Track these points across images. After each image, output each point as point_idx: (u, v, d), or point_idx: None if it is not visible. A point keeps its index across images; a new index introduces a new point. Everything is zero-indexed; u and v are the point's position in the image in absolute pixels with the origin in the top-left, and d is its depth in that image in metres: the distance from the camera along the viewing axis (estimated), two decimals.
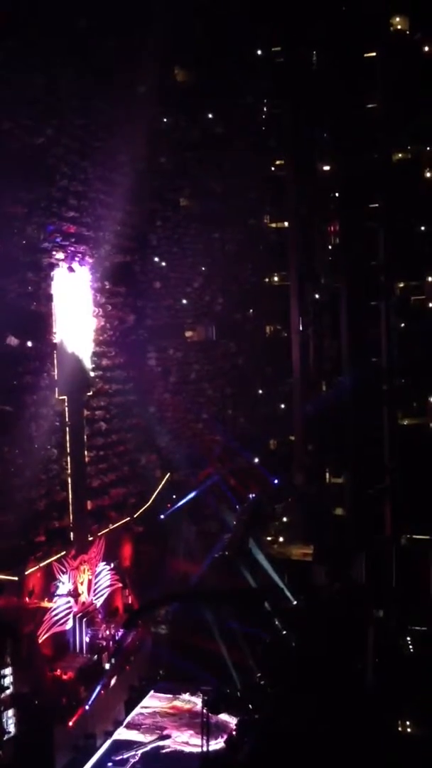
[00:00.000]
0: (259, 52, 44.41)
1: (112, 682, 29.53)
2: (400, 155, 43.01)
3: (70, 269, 29.28)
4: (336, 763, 23.63)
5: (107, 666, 29.48)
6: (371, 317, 42.48)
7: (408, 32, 41.68)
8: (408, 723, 29.56)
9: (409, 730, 29.55)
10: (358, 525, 40.82)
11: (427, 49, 41.07)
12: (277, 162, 46.28)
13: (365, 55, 41.93)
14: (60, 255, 28.75)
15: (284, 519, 44.22)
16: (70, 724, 26.46)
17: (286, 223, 46.11)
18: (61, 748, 25.78)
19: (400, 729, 29.29)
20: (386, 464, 41.18)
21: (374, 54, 41.54)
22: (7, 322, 25.69)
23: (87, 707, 27.37)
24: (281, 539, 43.06)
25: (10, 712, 24.35)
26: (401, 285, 43.15)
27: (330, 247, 44.80)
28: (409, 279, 43.09)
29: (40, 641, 26.82)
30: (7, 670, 24.43)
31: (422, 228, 41.69)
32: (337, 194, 43.71)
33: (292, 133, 44.21)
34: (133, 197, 33.20)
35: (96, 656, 29.39)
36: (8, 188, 25.72)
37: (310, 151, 44.27)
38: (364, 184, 42.30)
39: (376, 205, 42.09)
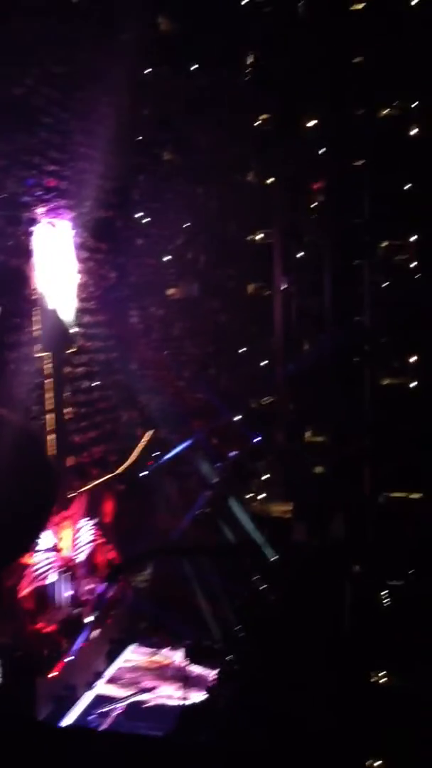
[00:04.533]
0: (245, 1, 43.32)
1: (94, 635, 29.96)
2: (386, 111, 42.38)
3: (51, 224, 28.82)
4: (312, 712, 24.21)
5: (88, 619, 29.86)
6: (354, 276, 42.40)
7: None
8: (382, 675, 30.33)
9: (382, 681, 30.35)
10: (338, 483, 41.30)
11: (415, 1, 40.22)
12: (263, 116, 45.51)
13: (352, 8, 41.11)
14: (40, 209, 28.26)
15: (265, 477, 44.62)
16: (52, 675, 26.88)
17: (270, 180, 45.57)
18: (42, 699, 26.25)
19: (374, 681, 30.05)
20: (367, 424, 41.50)
21: (361, 6, 40.70)
22: None
23: (68, 659, 27.79)
24: (262, 496, 43.51)
25: None
26: (385, 244, 42.97)
27: (314, 204, 44.41)
28: (392, 238, 42.89)
29: (21, 595, 27.08)
30: None
31: (407, 186, 41.34)
32: (322, 151, 43.17)
33: (278, 86, 43.42)
34: (115, 150, 32.57)
35: (77, 610, 29.76)
36: None
37: (297, 106, 43.56)
38: (350, 140, 41.78)
39: (362, 162, 41.64)
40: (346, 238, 42.49)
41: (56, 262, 29.46)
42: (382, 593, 35.30)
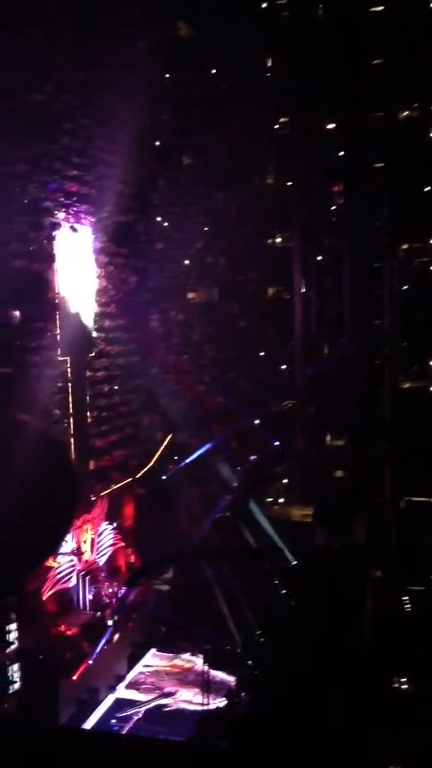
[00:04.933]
0: (263, 6, 43.40)
1: (115, 638, 30.01)
2: (405, 113, 42.23)
3: (72, 229, 28.98)
4: (332, 718, 24.07)
5: (110, 622, 29.92)
6: (374, 279, 42.23)
7: None
8: (403, 679, 30.10)
9: (404, 686, 30.12)
10: (358, 487, 41.09)
11: None
12: (282, 120, 45.52)
13: (371, 9, 41.02)
14: (62, 214, 28.43)
15: (285, 481, 44.51)
16: (74, 678, 26.97)
17: (289, 183, 45.56)
18: (65, 702, 26.32)
19: (395, 685, 29.83)
20: (386, 427, 41.28)
21: (380, 8, 40.62)
22: (8, 283, 25.50)
23: (90, 662, 27.87)
24: (282, 500, 43.40)
25: (16, 666, 24.77)
26: (405, 247, 42.76)
27: (333, 207, 44.32)
28: (412, 241, 42.67)
29: (44, 598, 27.20)
30: (13, 626, 24.80)
31: (427, 189, 41.15)
32: (341, 153, 43.10)
33: (296, 90, 43.42)
34: (135, 156, 32.68)
35: (99, 613, 29.86)
36: (9, 146, 25.36)
37: (315, 109, 43.52)
38: (368, 143, 41.66)
39: (381, 164, 41.52)
40: (366, 241, 42.32)
41: (77, 267, 29.61)
42: (404, 598, 35.11)
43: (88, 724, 26.73)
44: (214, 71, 41.34)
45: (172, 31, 37.92)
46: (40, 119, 26.90)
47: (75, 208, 29.16)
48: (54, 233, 27.93)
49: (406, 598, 35.73)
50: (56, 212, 28.06)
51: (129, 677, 30.31)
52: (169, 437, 36.72)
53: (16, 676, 24.67)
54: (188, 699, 28.85)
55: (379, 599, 33.61)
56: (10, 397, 25.44)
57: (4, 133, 24.94)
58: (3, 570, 18.37)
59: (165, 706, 28.61)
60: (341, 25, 41.63)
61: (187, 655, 31.58)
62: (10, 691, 24.52)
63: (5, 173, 25.47)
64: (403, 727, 24.25)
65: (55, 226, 27.94)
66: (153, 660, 31.67)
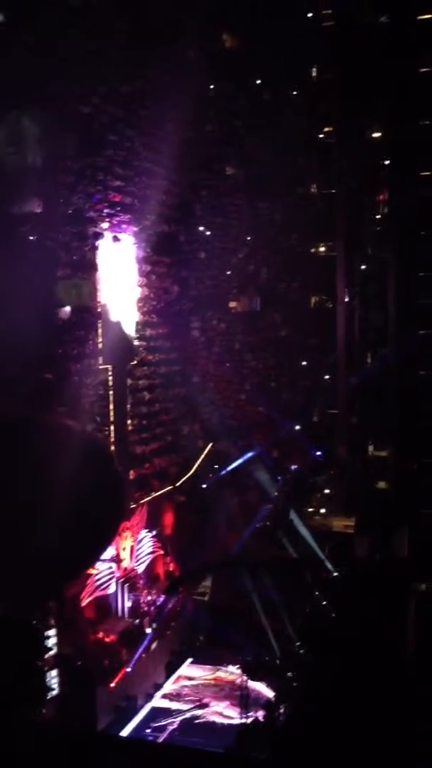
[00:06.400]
0: (309, 15, 43.45)
1: (153, 646, 30.05)
2: None
3: (115, 239, 29.24)
4: (373, 733, 23.72)
5: (148, 630, 29.98)
6: (418, 288, 41.81)
7: None
8: None
9: None
10: (400, 498, 40.62)
11: None
12: (326, 129, 45.49)
13: (418, 17, 40.78)
14: (105, 224, 28.70)
15: (326, 491, 44.19)
16: (112, 685, 27.07)
17: (333, 192, 45.44)
18: (103, 708, 26.43)
19: None
20: (430, 438, 40.75)
21: (427, 16, 40.35)
22: (52, 292, 25.85)
23: (128, 669, 27.94)
24: (323, 511, 43.10)
25: (54, 672, 24.94)
26: None
27: (378, 216, 44.05)
28: None
29: (83, 605, 27.37)
30: (52, 632, 24.99)
31: None
32: (386, 162, 42.86)
33: (341, 98, 43.34)
34: (178, 166, 32.89)
35: (137, 621, 29.91)
36: (55, 157, 25.71)
37: (360, 118, 43.38)
38: (414, 151, 41.37)
39: (426, 173, 41.20)
40: (411, 249, 41.95)
41: (120, 276, 29.86)
42: None
43: (124, 733, 26.80)
44: (258, 81, 41.48)
45: (218, 42, 38.14)
46: (86, 131, 27.21)
47: (118, 218, 29.40)
48: (97, 243, 28.19)
49: None
50: (99, 222, 28.33)
51: (166, 686, 30.30)
52: (210, 446, 36.71)
53: (55, 682, 24.84)
54: (226, 709, 28.71)
55: (421, 612, 33.09)
56: (51, 402, 25.72)
57: (51, 145, 25.28)
58: (47, 576, 18.47)
59: (201, 716, 28.50)
60: (387, 32, 41.47)
61: (225, 666, 31.46)
62: (49, 697, 24.68)
63: (52, 184, 25.80)
64: None
65: (98, 236, 28.21)
66: (190, 670, 31.60)
